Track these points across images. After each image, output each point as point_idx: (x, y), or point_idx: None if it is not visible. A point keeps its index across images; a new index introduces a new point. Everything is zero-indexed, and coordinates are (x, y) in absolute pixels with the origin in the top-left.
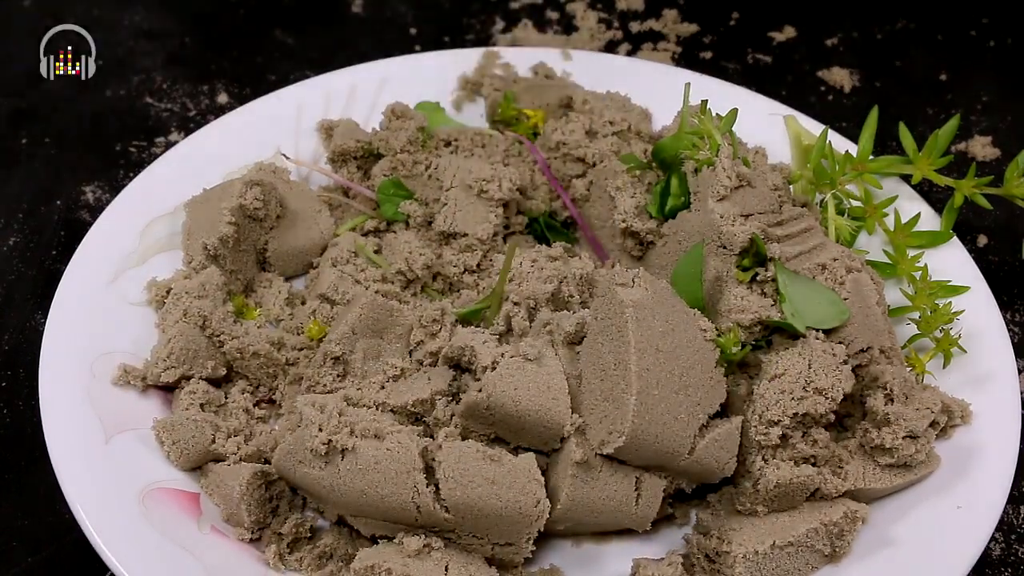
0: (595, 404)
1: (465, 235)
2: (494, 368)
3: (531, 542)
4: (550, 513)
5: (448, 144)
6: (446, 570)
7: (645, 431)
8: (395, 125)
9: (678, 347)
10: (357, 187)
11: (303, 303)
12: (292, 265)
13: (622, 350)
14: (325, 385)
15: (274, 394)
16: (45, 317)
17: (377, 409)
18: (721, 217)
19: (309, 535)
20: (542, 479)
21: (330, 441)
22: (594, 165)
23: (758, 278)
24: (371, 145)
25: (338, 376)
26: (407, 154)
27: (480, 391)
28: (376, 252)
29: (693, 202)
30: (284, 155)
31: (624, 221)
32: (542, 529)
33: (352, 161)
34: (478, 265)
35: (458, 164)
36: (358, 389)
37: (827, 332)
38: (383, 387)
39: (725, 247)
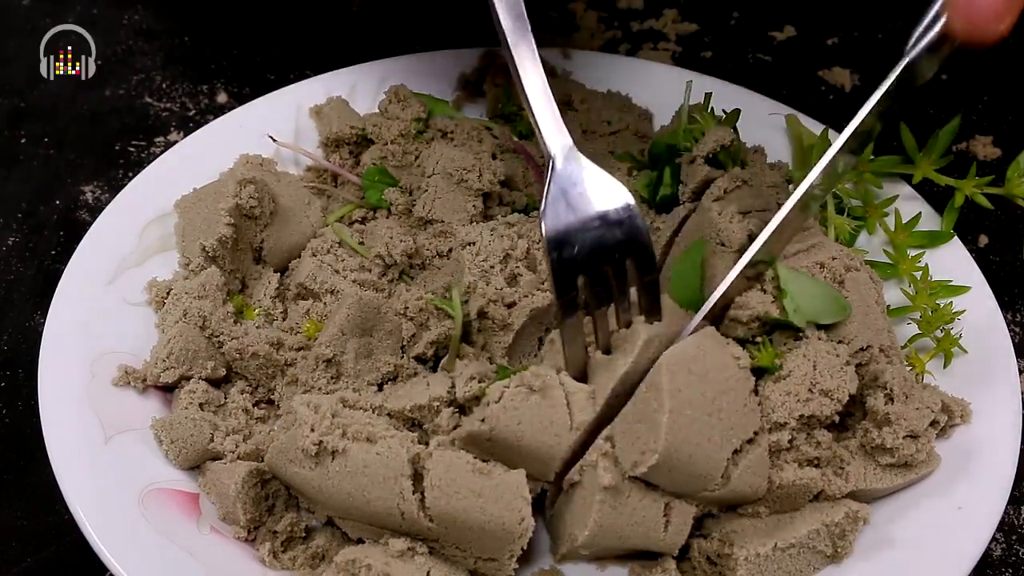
0: (627, 428)
1: (441, 221)
2: (499, 400)
3: (514, 559)
4: (577, 540)
5: (445, 135)
6: (427, 574)
7: (678, 450)
8: (392, 111)
9: (710, 371)
10: (346, 173)
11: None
12: (287, 260)
13: (652, 371)
14: (320, 388)
15: (272, 394)
16: (44, 317)
17: (374, 412)
18: (719, 215)
19: (304, 535)
20: (529, 496)
21: (321, 442)
22: None
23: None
24: (364, 131)
25: (332, 378)
26: (397, 145)
27: (483, 421)
28: (360, 244)
29: (681, 191)
30: (272, 138)
31: None
32: (525, 547)
33: (344, 147)
34: (449, 251)
35: (442, 152)
36: (355, 391)
37: (826, 330)
38: (380, 389)
39: (724, 245)
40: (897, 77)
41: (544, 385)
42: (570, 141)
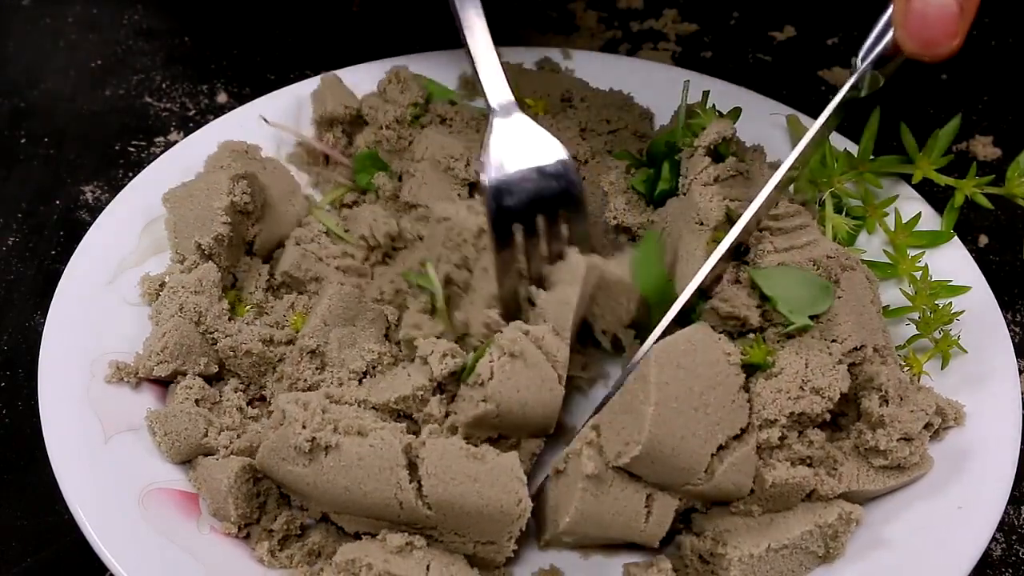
0: (613, 418)
1: (425, 207)
2: (492, 376)
3: (512, 541)
4: (558, 527)
5: (444, 121)
6: (428, 569)
7: (661, 442)
8: (391, 93)
9: (699, 365)
10: (338, 155)
11: (278, 283)
12: (274, 249)
13: (642, 363)
14: (306, 380)
15: (264, 391)
16: (44, 317)
17: (360, 406)
18: (699, 195)
19: (299, 532)
20: (524, 478)
21: (314, 438)
22: (585, 162)
23: (743, 275)
24: (360, 111)
25: (317, 369)
26: (392, 130)
27: (485, 401)
28: (346, 232)
29: (681, 184)
30: (264, 119)
31: (615, 217)
32: (523, 528)
33: (338, 126)
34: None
35: (432, 138)
36: (340, 386)
37: (820, 329)
38: (361, 382)
39: (702, 223)
40: (848, 90)
41: (522, 348)
42: (511, 96)
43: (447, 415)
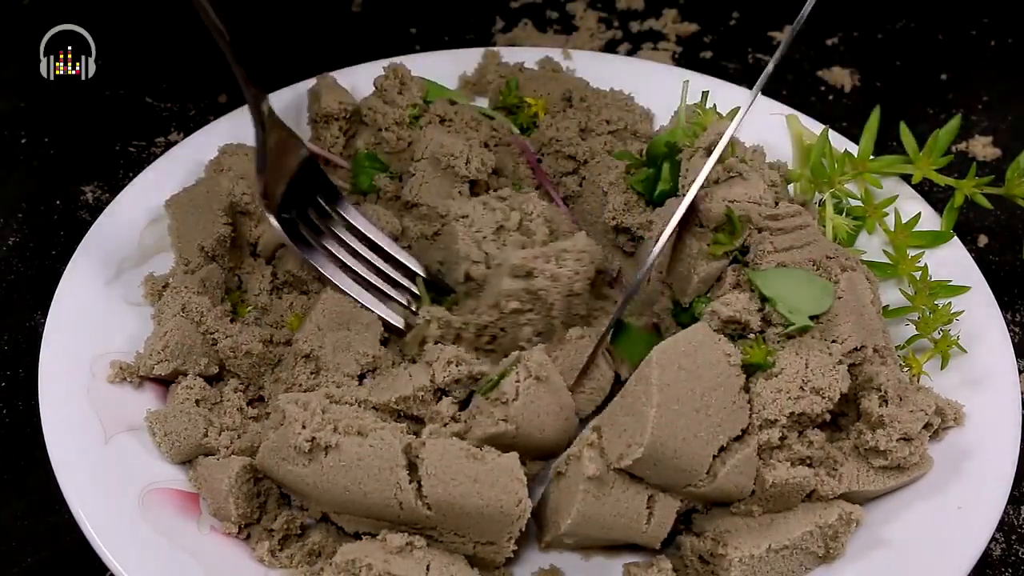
0: (615, 419)
1: (427, 206)
2: (516, 397)
3: (512, 541)
4: (560, 528)
5: (444, 120)
6: (428, 569)
7: (664, 444)
8: (390, 93)
9: (700, 367)
10: (335, 158)
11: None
12: (277, 250)
13: (643, 364)
14: (301, 384)
15: (263, 391)
16: (44, 317)
17: (359, 406)
18: (698, 197)
19: (299, 532)
20: (524, 479)
21: (314, 438)
22: (585, 163)
23: (743, 277)
24: (357, 110)
25: (312, 373)
26: (392, 132)
27: (506, 420)
28: None
29: (680, 185)
30: None
31: (615, 218)
32: (523, 528)
33: (335, 123)
34: (435, 235)
35: (432, 136)
36: (338, 386)
37: (820, 329)
38: (361, 382)
39: (702, 225)
40: None
41: (548, 373)
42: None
43: (454, 419)
